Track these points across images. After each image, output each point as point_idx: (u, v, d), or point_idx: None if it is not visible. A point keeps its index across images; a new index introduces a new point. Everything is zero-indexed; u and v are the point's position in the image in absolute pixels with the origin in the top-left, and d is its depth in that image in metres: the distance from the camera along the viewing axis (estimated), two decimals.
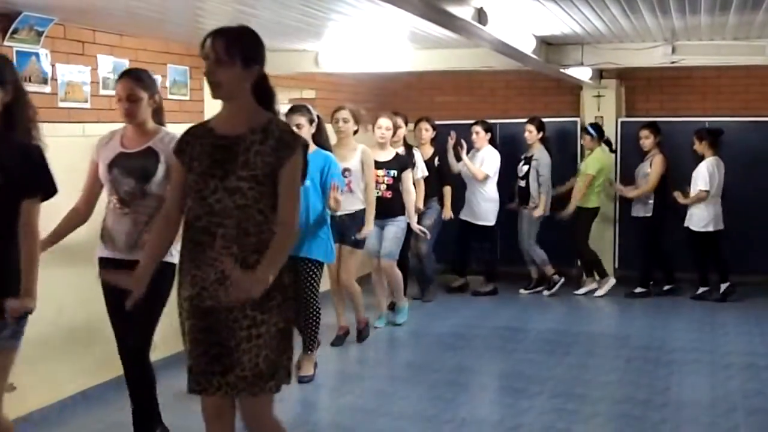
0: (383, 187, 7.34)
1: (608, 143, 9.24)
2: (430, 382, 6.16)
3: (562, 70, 7.32)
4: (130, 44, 5.96)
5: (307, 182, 5.67)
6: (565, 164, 9.41)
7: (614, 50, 6.85)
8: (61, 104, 5.29)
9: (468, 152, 8.80)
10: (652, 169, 8.77)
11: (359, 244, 6.84)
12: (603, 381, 6.31)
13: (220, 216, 3.20)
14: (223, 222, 3.20)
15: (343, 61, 7.09)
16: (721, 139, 8.66)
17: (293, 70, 7.51)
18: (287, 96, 8.28)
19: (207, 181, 3.23)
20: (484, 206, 8.89)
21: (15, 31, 4.81)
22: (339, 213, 6.36)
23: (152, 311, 4.32)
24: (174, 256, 3.90)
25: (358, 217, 6.74)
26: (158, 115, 4.53)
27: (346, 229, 6.70)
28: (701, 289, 8.89)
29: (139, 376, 4.51)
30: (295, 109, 5.98)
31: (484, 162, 8.80)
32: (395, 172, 7.43)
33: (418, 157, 8.13)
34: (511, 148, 9.31)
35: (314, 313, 6.10)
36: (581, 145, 9.46)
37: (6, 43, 4.81)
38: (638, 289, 9.07)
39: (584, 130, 9.17)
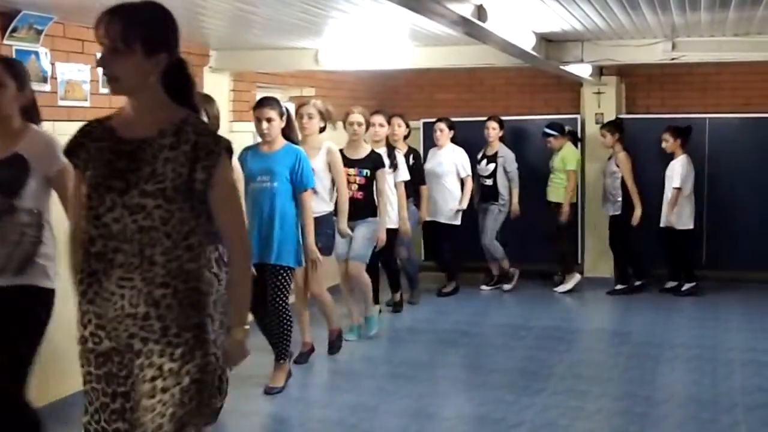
0: (354, 187, 6.86)
1: (574, 137, 9.29)
2: (432, 379, 6.16)
3: (562, 67, 7.31)
4: None
5: (275, 183, 5.53)
6: None
7: (614, 47, 6.83)
8: (61, 103, 5.29)
9: (427, 151, 8.88)
10: (620, 168, 8.79)
11: (327, 249, 6.34)
12: (605, 377, 6.32)
13: (117, 239, 2.59)
14: (121, 247, 2.59)
15: (343, 59, 7.08)
16: (690, 137, 8.76)
17: (293, 68, 7.50)
18: (287, 94, 8.28)
19: (102, 196, 2.61)
20: (453, 205, 8.67)
21: (14, 30, 4.81)
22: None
23: (22, 345, 3.66)
24: (52, 280, 3.63)
25: (323, 221, 6.21)
26: (30, 114, 3.86)
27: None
28: (670, 283, 9.03)
29: (11, 426, 3.66)
30: (264, 102, 5.65)
31: (461, 162, 8.63)
32: (368, 171, 6.95)
33: (401, 159, 7.69)
34: (511, 145, 9.31)
35: (285, 321, 5.74)
36: (578, 143, 9.41)
37: (5, 41, 4.81)
38: (618, 286, 9.08)
39: (544, 133, 9.05)
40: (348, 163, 6.75)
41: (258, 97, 7.37)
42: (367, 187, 6.95)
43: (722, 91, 9.67)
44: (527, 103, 9.98)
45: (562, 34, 6.44)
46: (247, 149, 5.85)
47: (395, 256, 8.10)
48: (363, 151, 7.01)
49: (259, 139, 5.74)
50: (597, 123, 9.49)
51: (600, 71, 9.30)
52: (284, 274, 5.65)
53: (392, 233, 7.52)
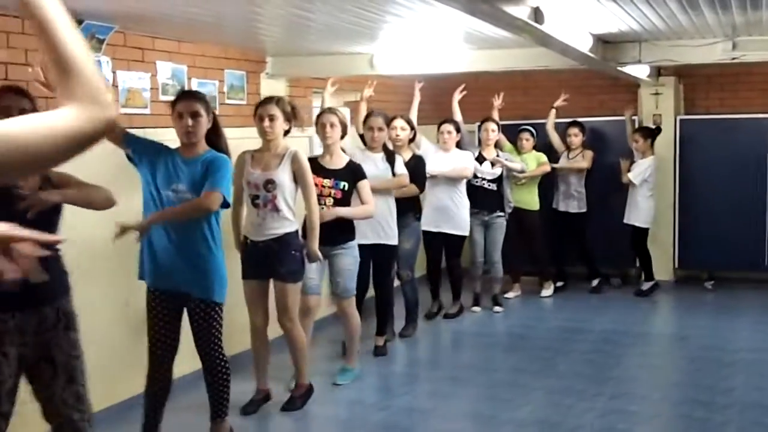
0: (329, 201, 5.88)
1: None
2: (488, 382, 6.14)
3: (619, 69, 7.23)
4: (187, 50, 6.05)
5: (170, 193, 4.56)
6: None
7: (673, 47, 6.73)
8: (123, 110, 5.39)
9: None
10: (583, 161, 8.93)
11: (292, 275, 5.38)
12: (664, 382, 6.25)
13: None
14: None
15: (398, 64, 7.09)
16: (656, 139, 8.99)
17: (349, 73, 7.54)
18: (343, 99, 8.32)
19: None
20: (464, 214, 7.86)
21: None
22: (261, 238, 5.27)
23: None
24: None
25: (287, 242, 5.31)
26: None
27: (275, 259, 5.30)
28: (646, 284, 9.07)
29: None
30: (186, 95, 4.84)
31: (465, 163, 7.79)
32: (346, 184, 5.91)
33: (400, 165, 6.72)
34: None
35: (223, 370, 4.78)
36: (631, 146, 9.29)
37: None
38: (594, 282, 9.20)
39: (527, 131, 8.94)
40: (322, 173, 5.88)
41: (315, 103, 7.47)
42: (345, 202, 5.94)
43: None
44: (583, 106, 9.88)
45: (620, 34, 6.38)
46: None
47: (392, 277, 7.11)
48: (340, 160, 6.01)
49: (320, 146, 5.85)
50: (655, 124, 9.37)
51: (658, 72, 9.18)
52: (212, 311, 4.68)
53: (390, 251, 6.75)
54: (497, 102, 8.95)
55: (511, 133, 8.83)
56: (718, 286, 9.26)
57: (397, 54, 6.97)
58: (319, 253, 5.44)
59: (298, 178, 5.32)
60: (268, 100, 5.40)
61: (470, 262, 8.38)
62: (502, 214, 8.28)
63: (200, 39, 6.09)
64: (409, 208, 7.08)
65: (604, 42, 6.62)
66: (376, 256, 6.63)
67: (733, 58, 6.62)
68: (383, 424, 5.36)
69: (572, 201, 9.02)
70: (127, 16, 4.96)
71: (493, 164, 8.20)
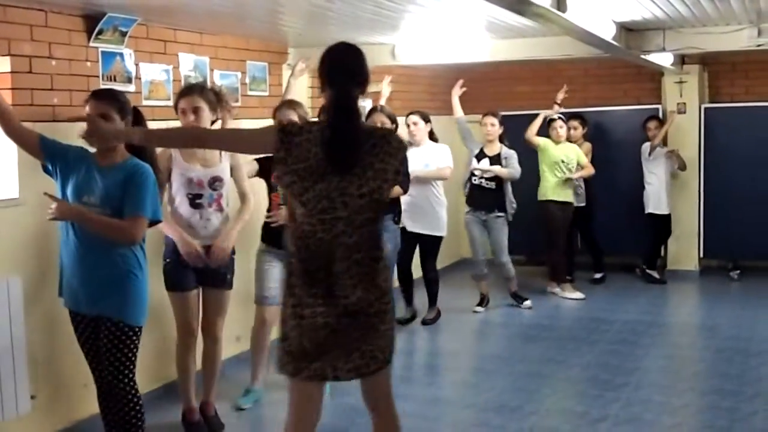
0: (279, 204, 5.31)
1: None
2: (513, 373, 6.12)
3: (643, 57, 7.17)
4: (209, 42, 6.05)
5: (92, 198, 3.92)
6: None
7: (697, 34, 6.66)
8: (145, 102, 5.40)
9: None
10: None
11: (231, 282, 4.99)
12: (690, 372, 6.21)
13: None
14: None
15: (420, 53, 7.07)
16: None
17: (370, 64, 7.48)
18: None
19: None
20: (441, 213, 7.37)
21: (100, 32, 4.93)
22: (204, 242, 4.81)
23: None
24: None
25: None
26: None
27: (207, 265, 4.83)
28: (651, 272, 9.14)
29: None
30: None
31: (444, 158, 7.30)
32: None
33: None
34: (593, 138, 9.20)
35: (133, 406, 4.03)
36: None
37: (92, 44, 4.94)
38: (598, 275, 9.20)
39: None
40: (268, 175, 5.25)
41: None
42: None
43: None
44: (606, 95, 9.82)
45: (643, 22, 6.33)
46: None
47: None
48: None
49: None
50: (680, 113, 9.30)
51: (682, 60, 9.09)
52: (130, 335, 4.00)
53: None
54: (561, 94, 8.70)
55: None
56: (743, 276, 9.19)
57: (418, 44, 6.95)
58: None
59: (233, 172, 4.95)
60: (190, 90, 4.86)
61: (471, 262, 8.16)
62: (501, 214, 7.81)
63: (222, 31, 6.10)
64: (389, 210, 6.20)
65: (627, 30, 6.57)
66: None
67: (759, 45, 6.55)
68: (408, 414, 5.35)
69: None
70: (149, 9, 4.97)
71: (492, 162, 7.75)
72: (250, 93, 6.50)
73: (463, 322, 7.65)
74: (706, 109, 9.40)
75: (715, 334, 7.13)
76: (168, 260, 4.86)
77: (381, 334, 3.21)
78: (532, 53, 7.04)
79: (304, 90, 7.17)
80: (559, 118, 8.59)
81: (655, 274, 9.08)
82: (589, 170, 8.58)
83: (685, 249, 9.38)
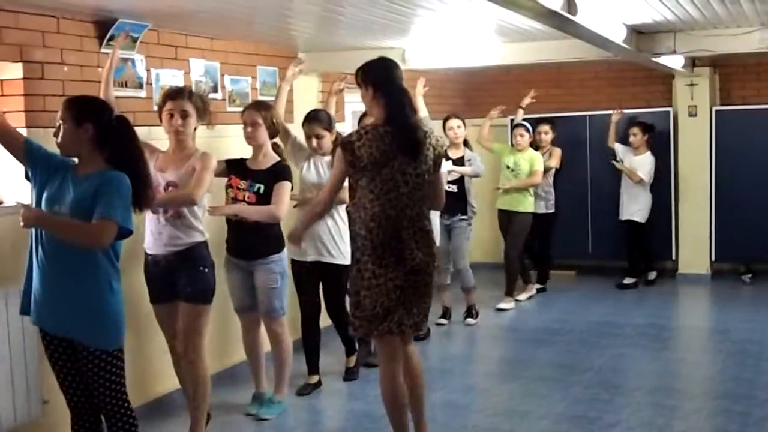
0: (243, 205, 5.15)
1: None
2: (524, 377, 6.11)
3: (653, 59, 7.15)
4: (220, 47, 6.07)
5: (62, 207, 3.62)
6: (659, 158, 9.09)
7: (708, 37, 6.64)
8: (156, 108, 5.42)
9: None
10: (551, 160, 8.66)
11: (202, 294, 4.65)
12: (702, 376, 6.18)
13: None
14: None
15: (430, 57, 7.06)
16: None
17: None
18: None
19: None
20: (434, 221, 7.06)
21: (111, 38, 4.94)
22: (161, 251, 4.62)
23: None
24: None
25: (193, 257, 4.64)
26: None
27: (180, 277, 4.63)
28: (628, 280, 9.07)
29: None
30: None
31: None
32: (261, 186, 5.09)
33: None
34: (603, 141, 9.19)
35: (129, 427, 3.78)
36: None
37: (103, 49, 4.95)
38: (538, 286, 8.92)
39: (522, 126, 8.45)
40: (242, 173, 5.19)
41: (345, 97, 7.44)
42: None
43: None
44: (617, 97, 9.79)
45: (654, 25, 6.31)
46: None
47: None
48: (267, 161, 5.23)
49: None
50: (690, 116, 9.27)
51: (693, 62, 9.06)
52: (111, 360, 3.70)
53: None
54: (527, 99, 8.71)
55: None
56: (755, 280, 9.16)
57: (429, 48, 6.95)
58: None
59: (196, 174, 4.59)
60: (179, 93, 4.72)
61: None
62: (464, 217, 7.53)
63: (232, 36, 6.11)
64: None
65: (638, 32, 6.55)
66: None
67: None
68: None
69: (539, 201, 8.54)
70: (160, 14, 4.99)
71: (455, 162, 7.44)
72: (260, 98, 6.51)
73: (472, 327, 7.64)
74: (717, 111, 9.37)
75: (726, 338, 7.10)
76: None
77: (430, 291, 4.23)
78: (542, 57, 7.04)
79: (314, 94, 7.18)
80: (521, 124, 8.39)
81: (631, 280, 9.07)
82: (532, 180, 8.20)
83: (696, 253, 9.34)
